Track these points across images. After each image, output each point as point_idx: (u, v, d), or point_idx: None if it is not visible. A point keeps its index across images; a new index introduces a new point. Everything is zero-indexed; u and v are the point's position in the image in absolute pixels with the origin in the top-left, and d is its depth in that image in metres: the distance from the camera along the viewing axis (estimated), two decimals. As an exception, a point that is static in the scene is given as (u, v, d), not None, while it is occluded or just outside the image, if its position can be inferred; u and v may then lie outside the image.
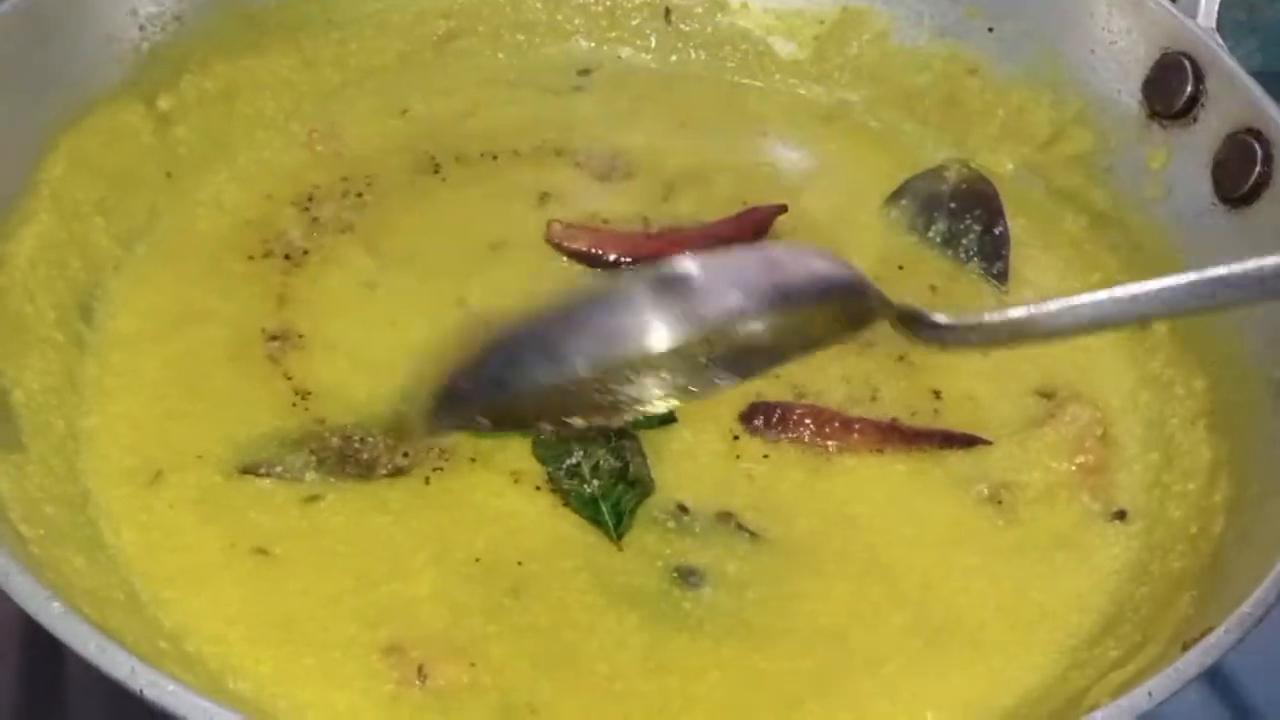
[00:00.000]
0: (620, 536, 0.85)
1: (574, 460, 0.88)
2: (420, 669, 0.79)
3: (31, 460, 0.83)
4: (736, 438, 0.92)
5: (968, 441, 0.93)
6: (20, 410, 0.85)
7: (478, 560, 0.84)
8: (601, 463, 0.88)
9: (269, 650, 0.79)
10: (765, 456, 0.91)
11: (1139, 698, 0.68)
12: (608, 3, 1.22)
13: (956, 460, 0.93)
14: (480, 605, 0.82)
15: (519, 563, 0.84)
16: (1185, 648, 0.70)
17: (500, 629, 0.81)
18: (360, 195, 1.07)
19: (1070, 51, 1.11)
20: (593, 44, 1.23)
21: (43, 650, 0.94)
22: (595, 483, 0.87)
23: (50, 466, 0.84)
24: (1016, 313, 0.73)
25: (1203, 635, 0.70)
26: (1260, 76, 1.01)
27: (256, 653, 0.79)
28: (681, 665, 0.81)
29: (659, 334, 0.67)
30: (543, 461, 0.89)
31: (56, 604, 0.66)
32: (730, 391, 0.93)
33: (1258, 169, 0.96)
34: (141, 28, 1.03)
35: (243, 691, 0.77)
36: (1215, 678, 1.00)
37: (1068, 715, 0.75)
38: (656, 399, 0.72)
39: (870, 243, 1.08)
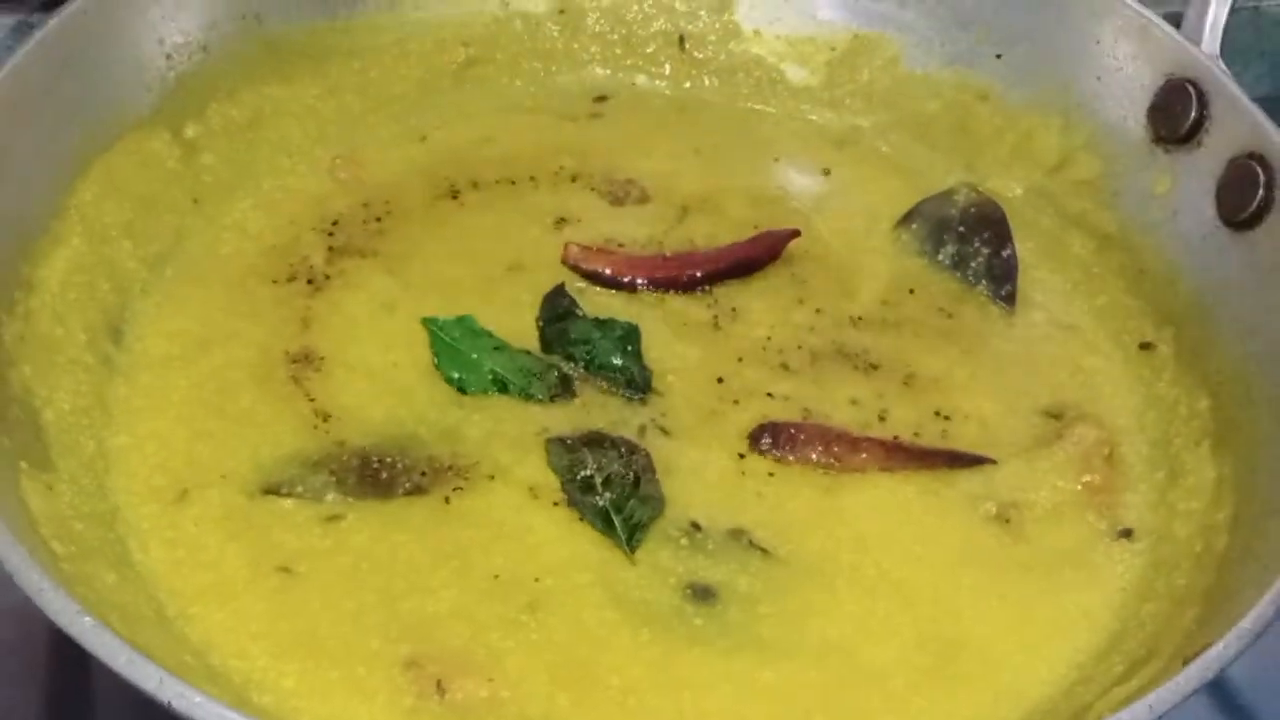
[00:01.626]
0: (633, 550, 0.87)
1: (587, 472, 0.90)
2: (439, 683, 0.80)
3: (62, 479, 0.85)
4: (742, 456, 0.94)
5: (974, 461, 0.95)
6: (51, 430, 0.87)
7: (496, 577, 0.86)
8: (613, 476, 0.90)
9: (292, 665, 0.81)
10: (770, 475, 0.93)
11: (1139, 711, 0.69)
12: (623, 31, 1.25)
13: (964, 480, 0.94)
14: (498, 621, 0.84)
15: (536, 579, 0.86)
16: (1186, 662, 0.72)
17: (517, 644, 0.83)
18: (381, 220, 1.09)
19: (1078, 78, 1.12)
20: (609, 71, 1.25)
21: (70, 667, 0.95)
22: (607, 495, 0.89)
23: (80, 485, 0.86)
24: None
25: (1202, 650, 0.72)
26: (1269, 101, 1.03)
27: (280, 667, 0.81)
28: (693, 680, 0.82)
29: None
30: (557, 472, 0.91)
31: (88, 618, 0.68)
32: (737, 414, 0.96)
33: (1260, 193, 0.98)
34: (169, 57, 1.06)
35: (266, 705, 0.79)
36: (1219, 690, 1.01)
37: (1072, 729, 0.77)
38: None
39: (881, 265, 1.10)
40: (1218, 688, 1.00)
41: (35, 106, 0.95)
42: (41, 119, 0.96)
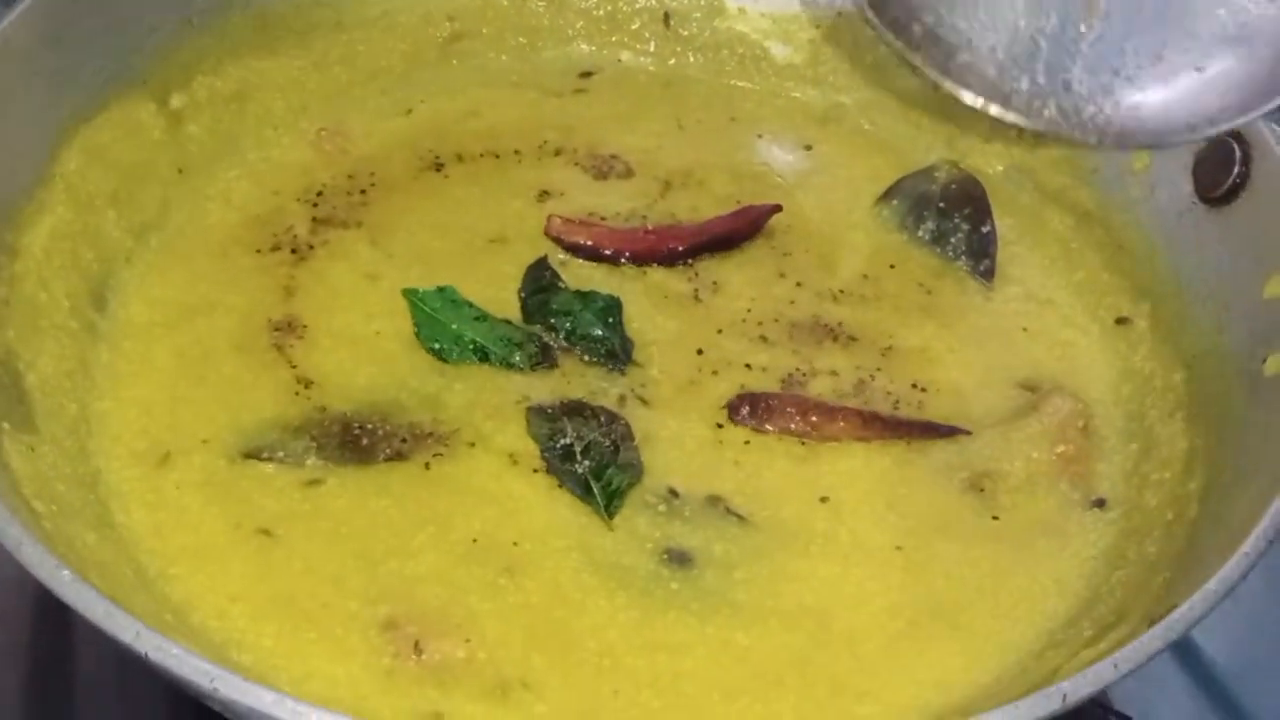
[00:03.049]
0: (611, 516, 0.88)
1: (567, 440, 0.91)
2: (416, 644, 0.81)
3: (44, 441, 0.86)
4: (720, 426, 0.95)
5: (949, 432, 0.96)
6: (34, 393, 0.88)
7: (475, 541, 0.87)
8: (593, 444, 0.91)
9: (271, 625, 0.82)
10: (747, 443, 0.94)
11: (1105, 669, 0.70)
12: (609, 7, 1.25)
13: (940, 449, 0.95)
14: (476, 584, 0.85)
15: (514, 543, 0.87)
16: (1151, 624, 0.73)
17: (495, 606, 0.84)
18: (365, 192, 1.10)
19: (1057, 55, 1.13)
20: (594, 47, 1.25)
21: (53, 644, 0.96)
22: (586, 463, 0.90)
23: (63, 447, 0.87)
24: None
25: (1169, 612, 0.73)
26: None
27: (258, 627, 0.82)
28: (668, 642, 0.83)
29: None
30: (536, 440, 0.92)
31: (66, 572, 0.69)
32: (716, 384, 0.97)
33: (1236, 169, 0.98)
34: (155, 28, 1.06)
35: (244, 663, 0.80)
36: (1206, 679, 1.02)
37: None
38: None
39: (862, 241, 1.11)
40: (1204, 675, 1.01)
41: (21, 76, 0.96)
42: (28, 89, 0.96)
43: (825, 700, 0.82)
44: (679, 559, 0.87)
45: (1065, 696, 0.69)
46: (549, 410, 0.94)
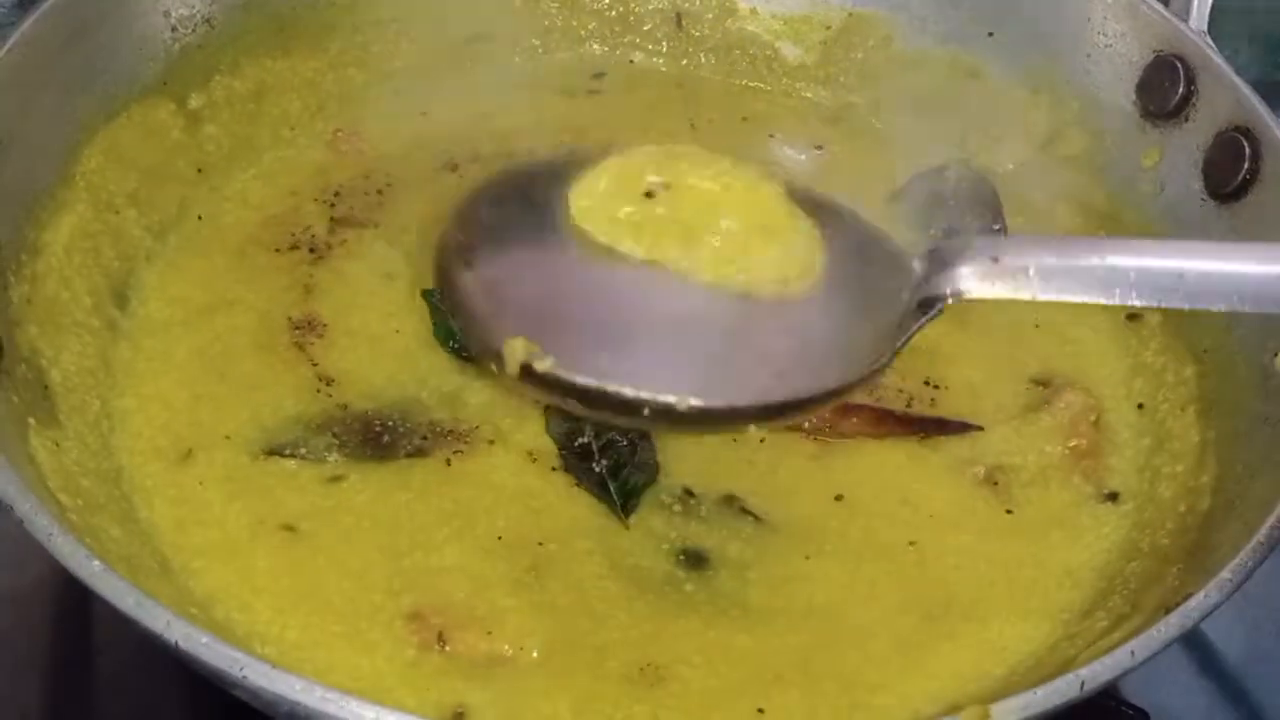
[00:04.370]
0: (628, 515, 0.89)
1: (585, 439, 0.92)
2: (440, 635, 0.82)
3: (68, 436, 0.87)
4: (735, 425, 0.96)
5: (962, 428, 0.96)
6: (58, 390, 0.89)
7: (499, 538, 0.87)
8: (609, 444, 0.92)
9: (294, 618, 0.83)
10: (761, 442, 0.94)
11: (1122, 656, 0.71)
12: (621, 9, 1.26)
13: (953, 445, 0.96)
14: (501, 579, 0.85)
15: (539, 543, 0.87)
16: (1167, 612, 0.73)
17: (519, 603, 0.84)
18: (381, 192, 1.10)
19: (1067, 55, 1.14)
20: (606, 49, 1.26)
21: (71, 657, 0.96)
22: (604, 462, 0.91)
23: (86, 442, 0.88)
24: None
25: (1184, 600, 0.73)
26: (1258, 85, 1.04)
27: (282, 620, 0.83)
28: (682, 648, 0.83)
29: None
30: (555, 439, 0.92)
31: (97, 563, 0.70)
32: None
33: (1246, 165, 0.99)
34: (174, 29, 1.07)
35: (268, 656, 0.79)
36: (1220, 675, 1.03)
37: (1057, 681, 0.78)
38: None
39: (874, 240, 1.12)
40: (1215, 668, 1.02)
41: (42, 77, 0.96)
42: (49, 90, 0.97)
43: (835, 694, 0.82)
44: (694, 560, 0.87)
45: (1084, 684, 0.69)
46: None
